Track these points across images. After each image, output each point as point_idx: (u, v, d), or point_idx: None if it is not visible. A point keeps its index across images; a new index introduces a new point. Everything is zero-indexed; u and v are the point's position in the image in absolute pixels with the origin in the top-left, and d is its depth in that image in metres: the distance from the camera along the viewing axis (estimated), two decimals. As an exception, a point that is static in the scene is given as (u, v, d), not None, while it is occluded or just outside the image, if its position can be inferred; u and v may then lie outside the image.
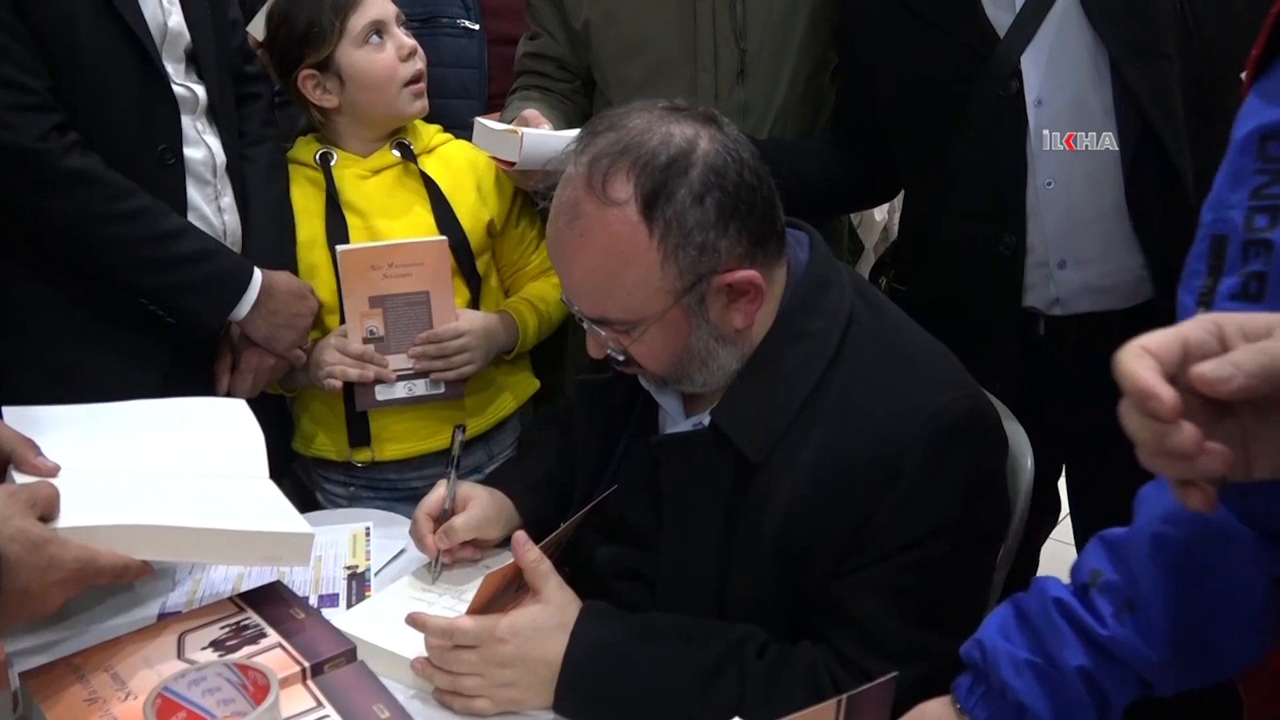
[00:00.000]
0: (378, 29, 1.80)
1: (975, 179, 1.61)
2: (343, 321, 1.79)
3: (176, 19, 1.66)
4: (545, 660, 1.20)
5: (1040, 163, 1.58)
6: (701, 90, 1.80)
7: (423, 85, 1.86)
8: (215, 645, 1.22)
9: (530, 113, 1.77)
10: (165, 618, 1.33)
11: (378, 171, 1.87)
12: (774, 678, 1.19)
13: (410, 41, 1.82)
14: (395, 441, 1.87)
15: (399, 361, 1.79)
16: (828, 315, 1.26)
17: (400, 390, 1.80)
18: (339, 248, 1.77)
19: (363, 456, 1.86)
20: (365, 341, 1.78)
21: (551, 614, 1.23)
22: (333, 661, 1.21)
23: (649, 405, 1.38)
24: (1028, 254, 1.61)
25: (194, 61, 1.70)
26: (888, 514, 1.17)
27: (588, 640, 1.21)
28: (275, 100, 1.97)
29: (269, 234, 1.79)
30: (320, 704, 1.15)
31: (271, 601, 1.31)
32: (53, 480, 1.15)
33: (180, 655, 1.20)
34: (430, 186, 1.87)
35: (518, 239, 1.96)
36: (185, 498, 1.27)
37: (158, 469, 1.32)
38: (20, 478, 1.18)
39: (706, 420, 1.27)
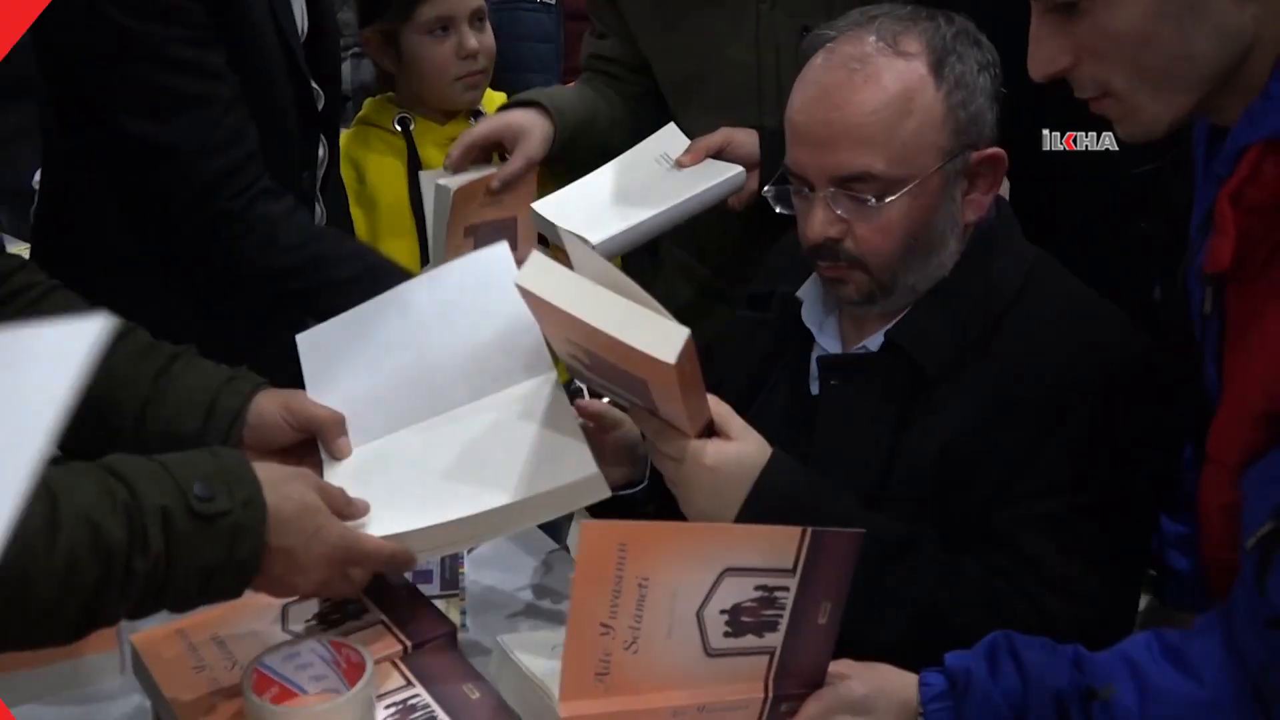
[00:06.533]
0: (444, 24, 1.80)
1: (1101, 161, 1.54)
2: None
3: (305, 23, 1.59)
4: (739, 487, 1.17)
5: None
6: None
7: (478, 79, 1.84)
8: (319, 619, 1.23)
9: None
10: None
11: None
12: (954, 570, 1.21)
13: (473, 44, 1.80)
14: None
15: None
16: (1014, 255, 1.32)
17: None
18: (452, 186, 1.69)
19: None
20: None
21: (752, 449, 1.18)
22: (432, 642, 1.21)
23: (802, 349, 1.37)
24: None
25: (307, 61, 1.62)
26: (1058, 449, 1.19)
27: (782, 470, 1.18)
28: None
29: (348, 239, 1.78)
30: (410, 683, 1.15)
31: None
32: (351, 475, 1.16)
33: (284, 627, 1.22)
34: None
35: None
36: (476, 460, 1.22)
37: (440, 405, 1.27)
38: (331, 469, 1.22)
39: (873, 346, 1.31)
